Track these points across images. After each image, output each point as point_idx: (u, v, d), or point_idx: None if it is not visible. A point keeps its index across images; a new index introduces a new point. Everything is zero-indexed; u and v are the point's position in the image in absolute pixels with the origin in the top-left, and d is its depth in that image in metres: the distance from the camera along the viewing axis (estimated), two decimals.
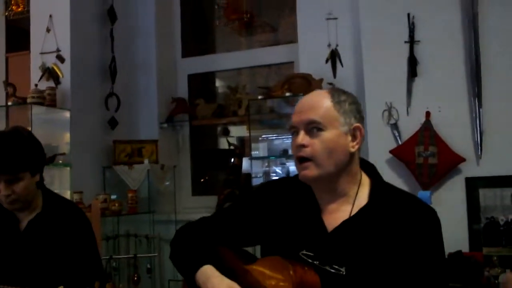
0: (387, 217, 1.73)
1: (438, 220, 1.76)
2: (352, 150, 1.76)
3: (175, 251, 2.00)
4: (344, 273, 1.71)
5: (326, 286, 1.70)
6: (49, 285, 2.19)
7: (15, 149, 2.31)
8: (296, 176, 1.88)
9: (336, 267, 1.72)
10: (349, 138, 1.76)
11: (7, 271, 2.33)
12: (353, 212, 1.77)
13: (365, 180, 1.83)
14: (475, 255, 3.34)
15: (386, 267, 1.67)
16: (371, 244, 1.71)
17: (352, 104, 1.78)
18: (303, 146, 1.74)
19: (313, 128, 1.74)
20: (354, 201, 1.78)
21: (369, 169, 1.87)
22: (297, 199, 1.88)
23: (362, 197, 1.79)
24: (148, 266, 4.33)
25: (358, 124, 1.77)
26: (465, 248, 3.42)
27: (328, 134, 1.73)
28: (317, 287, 1.69)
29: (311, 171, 1.74)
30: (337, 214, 1.78)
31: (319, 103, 1.76)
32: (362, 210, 1.76)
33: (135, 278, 4.23)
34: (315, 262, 1.75)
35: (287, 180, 1.98)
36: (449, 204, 3.52)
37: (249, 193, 2.14)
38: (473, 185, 3.51)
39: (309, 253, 1.77)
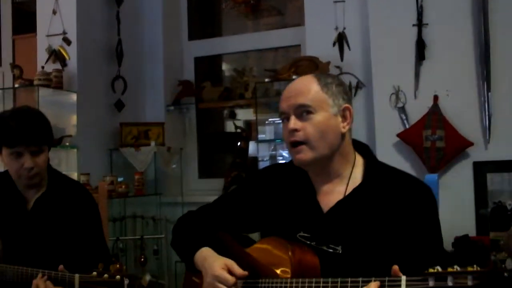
0: (382, 195, 1.76)
1: (433, 196, 1.79)
2: (343, 130, 1.80)
3: (175, 237, 2.06)
4: (340, 252, 1.74)
5: (324, 266, 1.73)
6: (56, 264, 2.20)
7: (40, 122, 2.37)
8: (291, 161, 1.92)
9: (333, 246, 1.76)
10: (339, 119, 1.80)
11: (14, 251, 2.35)
12: (348, 192, 1.80)
13: (359, 160, 1.87)
14: (482, 239, 3.34)
15: (381, 245, 1.70)
16: (366, 222, 1.74)
17: (338, 85, 1.82)
18: (295, 130, 1.77)
19: (303, 112, 1.77)
20: (349, 181, 1.82)
21: (363, 149, 1.91)
22: (292, 183, 1.91)
23: (356, 177, 1.83)
24: (155, 247, 4.36)
25: (347, 105, 1.81)
26: (472, 232, 3.42)
27: (318, 117, 1.76)
28: (316, 267, 1.73)
29: (306, 155, 1.78)
30: (332, 195, 1.82)
31: (307, 87, 1.80)
32: (356, 189, 1.80)
33: (142, 259, 4.26)
34: (312, 243, 1.78)
35: (282, 165, 2.03)
36: (456, 188, 3.52)
37: (246, 181, 2.18)
38: (481, 169, 3.50)
39: (306, 235, 1.81)
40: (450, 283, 1.33)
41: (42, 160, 2.36)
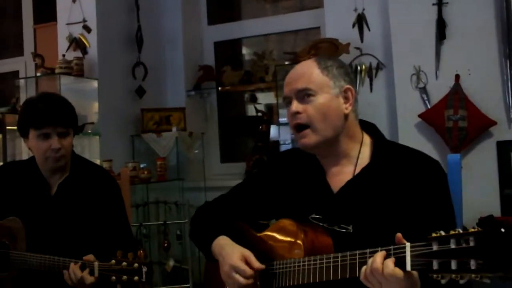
0: (391, 173, 1.77)
1: (443, 171, 1.79)
2: (346, 111, 1.81)
3: (193, 227, 2.09)
4: (351, 231, 1.76)
5: (336, 246, 1.75)
6: (80, 249, 2.23)
7: (66, 104, 2.42)
8: None
9: (344, 226, 1.77)
10: (341, 100, 1.81)
11: (39, 236, 2.38)
12: (356, 172, 1.81)
13: (367, 140, 1.88)
14: (507, 219, 3.31)
15: (392, 222, 1.70)
16: (376, 201, 1.75)
17: (339, 68, 1.84)
18: (297, 113, 1.80)
19: (305, 95, 1.79)
20: (357, 161, 1.83)
21: (370, 128, 1.92)
22: (302, 167, 1.93)
23: (365, 156, 1.84)
24: (178, 232, 4.39)
25: (348, 86, 1.83)
26: (496, 212, 3.39)
27: (320, 99, 1.78)
28: (329, 248, 1.74)
29: (310, 139, 1.80)
30: (341, 176, 1.84)
31: (308, 71, 1.82)
32: (365, 169, 1.81)
33: (165, 245, 4.29)
34: (324, 224, 1.80)
35: (292, 150, 2.05)
36: (480, 168, 3.48)
37: (261, 168, 2.20)
38: (505, 148, 3.45)
39: (318, 216, 1.82)
40: (452, 246, 1.35)
41: (68, 143, 2.40)
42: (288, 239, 1.80)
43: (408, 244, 1.46)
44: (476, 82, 3.51)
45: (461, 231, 1.35)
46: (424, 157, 1.82)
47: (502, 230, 1.28)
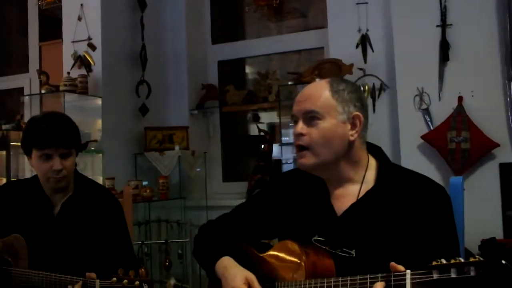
0: (395, 197, 1.76)
1: (447, 197, 1.78)
2: (351, 138, 1.79)
3: (197, 246, 2.07)
4: (354, 256, 1.74)
5: (338, 269, 1.73)
6: (81, 268, 2.22)
7: (69, 125, 2.40)
8: None
9: (346, 250, 1.76)
10: (348, 126, 1.79)
11: (41, 255, 2.37)
12: (361, 195, 1.80)
13: (372, 163, 1.86)
14: (509, 242, 3.29)
15: (395, 247, 1.69)
16: (380, 225, 1.74)
17: (351, 92, 1.81)
18: (301, 134, 1.79)
19: (311, 117, 1.77)
20: (361, 185, 1.81)
21: (376, 151, 1.90)
22: (307, 187, 1.92)
23: (369, 180, 1.82)
24: (180, 251, 4.37)
25: (357, 113, 1.79)
26: (499, 235, 3.38)
27: (325, 124, 1.76)
28: (331, 271, 1.73)
29: (308, 160, 1.79)
30: (345, 198, 1.83)
31: (317, 92, 1.79)
32: (369, 192, 1.80)
33: (167, 263, 4.28)
34: (326, 247, 1.79)
35: (296, 170, 2.02)
36: (482, 190, 3.48)
37: (264, 188, 2.20)
38: (507, 170, 3.46)
39: (321, 239, 1.81)
40: (453, 275, 1.34)
41: (70, 163, 2.39)
42: (290, 260, 1.79)
43: (408, 272, 1.46)
44: (479, 104, 3.52)
45: (462, 260, 1.35)
46: (429, 182, 1.80)
47: (503, 262, 1.28)
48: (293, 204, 1.94)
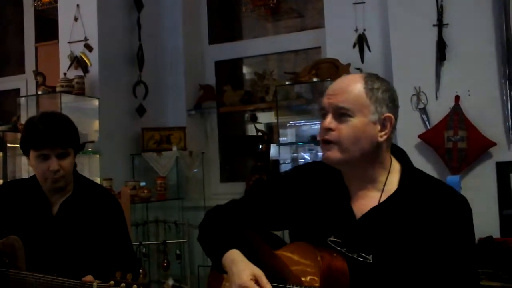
0: (417, 204, 1.70)
1: (469, 208, 1.72)
2: (380, 139, 1.71)
3: (203, 233, 1.99)
4: (371, 261, 1.69)
5: (353, 274, 1.69)
6: (80, 269, 2.22)
7: (66, 125, 2.38)
8: None
9: (363, 255, 1.70)
10: (378, 127, 1.71)
11: (38, 255, 2.37)
12: (382, 199, 1.74)
13: (395, 167, 1.79)
14: (506, 240, 3.29)
15: (414, 255, 1.65)
16: (399, 232, 1.68)
17: (385, 92, 1.73)
18: (329, 129, 1.72)
19: (342, 113, 1.70)
20: (384, 188, 1.75)
21: (400, 155, 1.83)
22: (327, 184, 1.86)
23: (392, 184, 1.76)
24: (178, 252, 4.37)
25: (389, 114, 1.72)
26: (496, 233, 3.38)
27: (356, 121, 1.69)
28: (345, 274, 1.68)
29: (334, 154, 1.72)
30: (366, 201, 1.76)
31: (351, 87, 1.73)
32: (391, 197, 1.73)
33: (165, 264, 4.28)
34: (342, 249, 1.74)
35: (318, 164, 1.95)
36: (479, 189, 3.47)
37: (279, 177, 2.13)
38: (504, 169, 3.46)
39: (337, 240, 1.76)
40: None
41: (68, 163, 2.37)
42: (305, 263, 1.74)
43: None
44: (476, 103, 3.52)
45: None
46: (452, 192, 1.75)
47: None
48: (311, 198, 1.87)
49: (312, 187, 1.89)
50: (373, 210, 1.74)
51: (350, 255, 1.72)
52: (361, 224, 1.75)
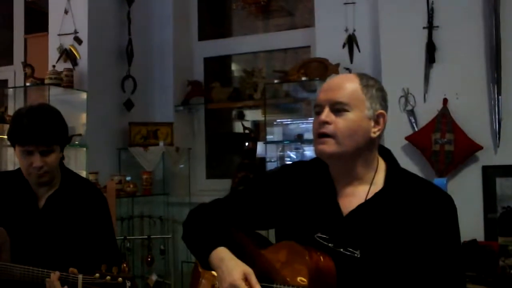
0: (403, 202, 1.74)
1: (454, 206, 1.78)
2: (373, 135, 1.77)
3: (188, 232, 1.99)
4: (358, 256, 1.72)
5: (340, 269, 1.72)
6: (65, 262, 2.21)
7: (51, 121, 2.34)
8: (313, 159, 1.91)
9: (351, 250, 1.73)
10: (372, 123, 1.77)
11: (26, 249, 2.36)
12: (369, 196, 1.78)
13: (382, 165, 1.84)
14: (490, 244, 3.32)
15: (400, 251, 1.69)
16: (386, 228, 1.72)
17: (379, 90, 1.80)
18: (326, 123, 1.75)
19: (339, 108, 1.75)
20: (370, 186, 1.80)
21: (386, 154, 1.88)
22: (313, 182, 1.89)
23: (378, 181, 1.80)
24: (162, 247, 4.37)
25: (382, 111, 1.79)
26: (480, 237, 3.40)
27: (352, 115, 1.74)
28: (332, 272, 1.71)
29: (329, 147, 1.75)
30: (353, 198, 1.80)
31: (347, 84, 1.78)
32: (377, 194, 1.78)
33: (149, 259, 4.27)
34: (329, 244, 1.76)
35: (304, 163, 1.99)
36: (465, 192, 3.49)
37: (265, 175, 2.15)
38: (490, 173, 3.47)
39: (324, 236, 1.78)
40: None
41: (52, 160, 2.36)
42: (293, 261, 1.76)
43: None
44: (464, 106, 3.54)
45: None
46: (437, 190, 1.80)
47: None
48: (298, 196, 1.89)
49: (298, 185, 1.91)
50: (360, 207, 1.78)
51: (337, 250, 1.75)
52: (348, 220, 1.78)
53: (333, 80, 1.83)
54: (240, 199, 2.01)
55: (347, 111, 1.74)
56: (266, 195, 1.96)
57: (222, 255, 1.81)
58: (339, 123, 1.74)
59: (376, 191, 1.79)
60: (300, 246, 1.76)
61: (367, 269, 1.68)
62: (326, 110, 1.76)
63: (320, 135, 1.76)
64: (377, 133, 1.78)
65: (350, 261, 1.72)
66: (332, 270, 1.72)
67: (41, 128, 2.30)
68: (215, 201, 2.04)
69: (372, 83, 1.80)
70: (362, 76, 1.81)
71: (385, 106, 1.81)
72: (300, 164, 2.01)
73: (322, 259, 1.73)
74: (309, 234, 1.81)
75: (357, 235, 1.74)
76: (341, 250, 1.74)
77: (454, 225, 1.76)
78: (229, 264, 1.77)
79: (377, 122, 1.78)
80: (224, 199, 2.03)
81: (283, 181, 1.95)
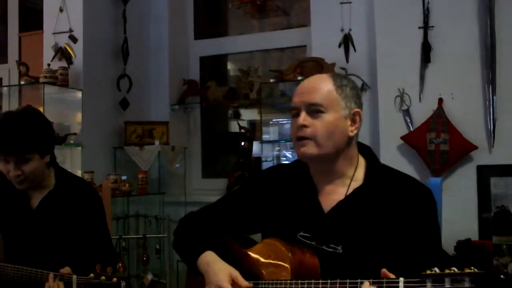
0: (382, 196, 1.78)
1: (433, 199, 1.80)
2: (351, 134, 1.81)
3: (178, 239, 2.06)
4: (340, 251, 1.76)
5: (324, 265, 1.75)
6: (59, 263, 2.21)
7: (22, 130, 2.28)
8: (294, 162, 1.96)
9: (333, 246, 1.77)
10: (349, 122, 1.81)
11: (19, 249, 2.35)
12: (349, 193, 1.81)
13: (361, 162, 1.88)
14: (484, 243, 3.32)
15: (381, 245, 1.72)
16: (366, 222, 1.76)
17: (352, 89, 1.84)
18: (304, 126, 1.78)
19: (315, 110, 1.78)
20: (350, 182, 1.83)
21: (365, 151, 1.92)
22: (294, 183, 1.92)
23: (358, 178, 1.84)
24: (157, 246, 4.36)
25: (358, 109, 1.83)
26: (474, 236, 3.41)
27: (329, 117, 1.77)
28: (316, 268, 1.75)
29: (309, 149, 1.79)
30: (333, 195, 1.83)
31: (321, 85, 1.81)
32: (357, 190, 1.81)
33: (144, 258, 4.26)
34: (312, 242, 1.80)
35: (285, 166, 2.04)
36: (459, 192, 3.50)
37: (249, 181, 2.23)
38: (485, 173, 3.48)
39: (307, 234, 1.82)
40: (447, 285, 1.35)
41: (31, 168, 2.31)
42: (276, 258, 1.79)
43: (401, 279, 1.46)
44: (459, 106, 3.54)
45: (456, 270, 1.35)
46: (416, 184, 1.83)
47: (502, 276, 1.29)
48: (279, 199, 1.93)
49: (280, 188, 1.95)
50: (340, 203, 1.81)
51: (320, 247, 1.78)
52: (329, 217, 1.82)
53: (307, 82, 1.85)
54: (227, 206, 2.06)
55: (323, 112, 1.77)
56: (250, 200, 2.00)
57: (209, 258, 1.86)
58: (316, 126, 1.77)
59: (356, 187, 1.82)
60: (284, 244, 1.79)
61: (350, 263, 1.70)
62: (303, 113, 1.79)
63: (299, 138, 1.80)
64: (355, 132, 1.82)
65: (333, 257, 1.76)
66: (316, 266, 1.75)
67: (9, 139, 2.26)
68: (204, 208, 2.09)
69: (345, 82, 1.83)
70: (335, 76, 1.85)
71: (360, 104, 1.85)
72: (281, 167, 2.06)
73: (305, 255, 1.77)
74: (292, 233, 1.84)
75: (338, 231, 1.78)
76: (324, 247, 1.78)
77: (433, 218, 1.79)
78: (215, 267, 1.82)
79: (353, 121, 1.82)
80: (212, 206, 2.09)
81: (266, 184, 2.00)
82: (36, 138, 2.32)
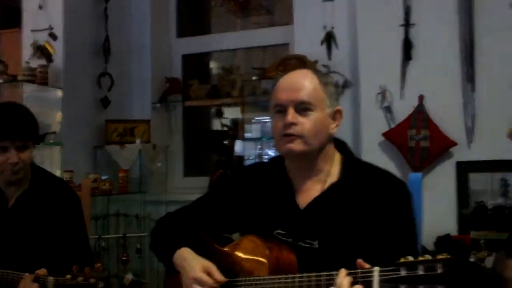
0: (358, 191, 1.79)
1: (408, 192, 1.81)
2: (332, 131, 1.84)
3: (154, 239, 2.06)
4: (316, 247, 1.76)
5: (301, 261, 1.75)
6: (35, 264, 2.18)
7: (27, 117, 2.35)
8: (271, 160, 1.98)
9: (309, 241, 1.77)
10: (331, 120, 1.83)
11: None
12: (325, 188, 1.82)
13: (337, 157, 1.89)
14: (463, 238, 3.34)
15: (357, 239, 1.72)
16: (342, 217, 1.76)
17: (334, 86, 1.88)
18: (293, 124, 1.77)
19: (303, 108, 1.78)
20: (327, 178, 1.84)
21: (341, 146, 1.93)
22: (270, 182, 1.93)
23: (334, 174, 1.85)
24: (138, 246, 4.32)
25: (339, 107, 1.86)
26: (453, 231, 3.43)
27: (316, 115, 1.78)
28: (293, 264, 1.75)
29: (297, 146, 1.78)
30: (309, 192, 1.84)
31: (310, 83, 1.81)
32: (333, 186, 1.82)
33: (124, 258, 4.23)
34: (288, 239, 1.80)
35: (260, 164, 2.10)
36: (439, 188, 3.52)
37: (225, 181, 2.22)
38: (464, 169, 3.50)
39: (283, 232, 1.83)
40: (420, 272, 1.36)
41: (27, 156, 2.34)
42: (253, 255, 1.79)
43: (376, 269, 1.47)
44: (439, 103, 3.56)
45: (429, 258, 1.37)
46: (391, 177, 1.84)
47: (471, 260, 1.31)
48: (256, 198, 1.94)
49: (256, 187, 1.96)
50: (316, 199, 1.82)
51: (296, 243, 1.78)
52: (305, 213, 1.82)
53: (293, 79, 1.84)
54: (204, 206, 2.06)
55: (312, 110, 1.78)
56: (227, 199, 2.01)
57: (184, 254, 1.86)
58: (305, 124, 1.77)
59: (332, 183, 1.82)
60: (261, 240, 1.80)
61: (326, 258, 1.71)
62: (291, 111, 1.79)
63: (287, 135, 1.79)
64: (335, 129, 1.85)
65: (309, 253, 1.76)
66: (293, 262, 1.75)
67: (17, 123, 2.29)
68: (180, 209, 2.10)
69: (329, 80, 1.88)
70: (318, 73, 1.87)
71: (338, 101, 1.88)
72: (258, 165, 2.10)
73: (282, 252, 1.77)
74: (269, 231, 1.85)
75: (314, 226, 1.78)
76: (300, 243, 1.78)
77: (407, 210, 1.79)
78: (191, 262, 1.82)
79: (335, 119, 1.84)
80: (189, 207, 2.09)
81: (243, 183, 2.01)
82: (34, 126, 2.39)
